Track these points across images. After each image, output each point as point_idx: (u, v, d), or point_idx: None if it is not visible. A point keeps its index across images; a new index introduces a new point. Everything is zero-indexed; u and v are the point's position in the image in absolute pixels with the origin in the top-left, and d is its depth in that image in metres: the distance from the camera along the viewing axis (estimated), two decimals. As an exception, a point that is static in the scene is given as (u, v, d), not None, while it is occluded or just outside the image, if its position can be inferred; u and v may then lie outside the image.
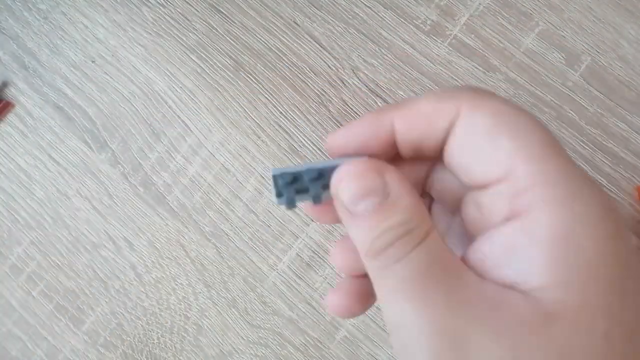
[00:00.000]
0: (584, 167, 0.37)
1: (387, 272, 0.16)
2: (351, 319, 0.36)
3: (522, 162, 0.16)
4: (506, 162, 0.16)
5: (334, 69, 0.39)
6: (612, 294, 0.15)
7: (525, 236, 0.15)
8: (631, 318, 0.15)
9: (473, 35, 0.39)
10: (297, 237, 0.37)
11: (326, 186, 0.19)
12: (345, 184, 0.17)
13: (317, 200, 0.19)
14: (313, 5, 0.40)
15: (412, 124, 0.18)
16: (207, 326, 0.37)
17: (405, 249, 0.16)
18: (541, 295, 0.15)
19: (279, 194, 0.19)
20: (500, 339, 0.14)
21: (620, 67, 0.38)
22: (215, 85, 0.39)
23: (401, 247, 0.16)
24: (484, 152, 0.16)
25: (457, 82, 0.38)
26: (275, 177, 0.19)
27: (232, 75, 0.40)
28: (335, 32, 0.40)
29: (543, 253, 0.15)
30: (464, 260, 0.17)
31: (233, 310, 0.37)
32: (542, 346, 0.14)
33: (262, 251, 0.37)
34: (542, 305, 0.14)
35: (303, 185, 0.19)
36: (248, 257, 0.37)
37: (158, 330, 0.37)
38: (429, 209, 0.22)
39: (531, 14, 0.39)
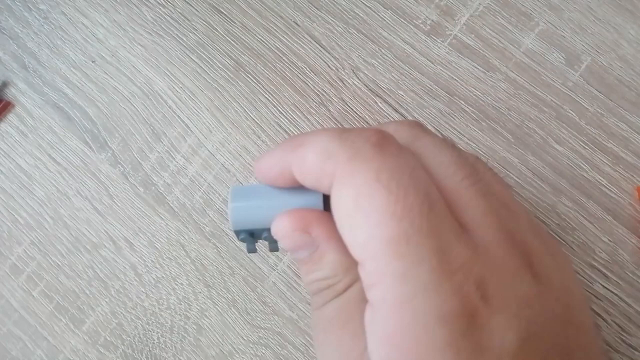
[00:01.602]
0: (583, 167, 0.37)
1: (314, 311, 0.20)
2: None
3: (370, 257, 0.16)
4: (360, 252, 0.17)
5: (334, 69, 0.39)
6: None
7: (372, 326, 0.17)
8: None
9: (473, 35, 0.39)
10: (297, 237, 0.37)
11: None
12: (281, 239, 0.20)
13: (274, 249, 0.22)
14: (313, 5, 0.40)
15: (303, 175, 0.19)
16: (207, 326, 0.37)
17: (324, 299, 0.19)
18: None
19: (241, 241, 0.22)
20: None
21: (620, 67, 0.38)
22: (215, 85, 0.39)
23: (321, 298, 0.19)
24: (346, 234, 0.17)
25: (457, 82, 0.38)
26: (236, 232, 0.21)
27: (232, 75, 0.40)
28: (335, 32, 0.40)
29: (378, 350, 0.16)
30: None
31: (233, 310, 0.37)
32: None
33: (262, 251, 0.37)
34: None
35: (261, 235, 0.21)
36: (248, 257, 0.37)
37: (158, 330, 0.37)
38: None
39: (531, 14, 0.39)
